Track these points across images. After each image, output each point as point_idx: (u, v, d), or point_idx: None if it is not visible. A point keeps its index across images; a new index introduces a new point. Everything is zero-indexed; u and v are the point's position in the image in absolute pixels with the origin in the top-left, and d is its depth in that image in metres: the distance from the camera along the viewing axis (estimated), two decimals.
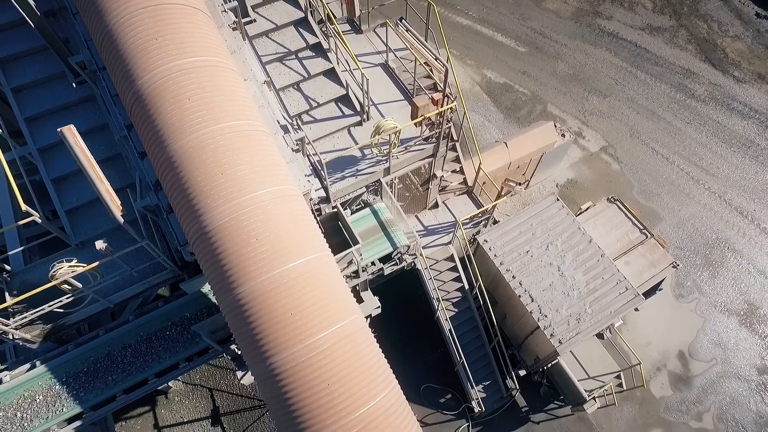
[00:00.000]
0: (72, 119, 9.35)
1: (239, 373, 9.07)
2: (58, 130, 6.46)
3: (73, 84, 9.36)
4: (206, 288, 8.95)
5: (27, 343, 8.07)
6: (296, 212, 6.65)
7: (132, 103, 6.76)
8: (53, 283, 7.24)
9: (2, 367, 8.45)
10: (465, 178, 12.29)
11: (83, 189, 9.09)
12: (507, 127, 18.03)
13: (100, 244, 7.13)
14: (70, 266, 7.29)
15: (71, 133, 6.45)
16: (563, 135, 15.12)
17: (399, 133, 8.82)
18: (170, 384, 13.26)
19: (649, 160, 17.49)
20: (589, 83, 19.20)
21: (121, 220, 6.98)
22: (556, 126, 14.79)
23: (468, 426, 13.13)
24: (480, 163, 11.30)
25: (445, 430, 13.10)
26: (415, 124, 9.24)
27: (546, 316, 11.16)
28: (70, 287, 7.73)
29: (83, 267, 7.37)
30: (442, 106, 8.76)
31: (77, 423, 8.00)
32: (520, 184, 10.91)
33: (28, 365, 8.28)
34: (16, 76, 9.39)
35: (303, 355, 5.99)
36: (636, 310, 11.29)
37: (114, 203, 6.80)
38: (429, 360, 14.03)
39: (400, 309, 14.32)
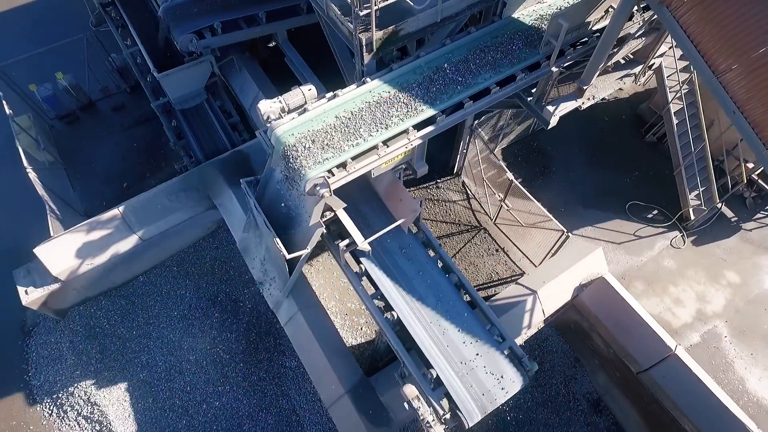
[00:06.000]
0: None
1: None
2: None
3: None
4: (519, 12, 8.62)
5: (366, 51, 7.63)
6: None
7: None
8: None
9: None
10: None
11: None
12: None
13: None
14: None
15: None
16: None
17: None
18: None
19: None
20: None
21: None
22: None
23: (683, 235, 12.93)
24: None
25: (660, 242, 12.89)
26: None
27: None
28: None
29: None
30: None
31: (430, 128, 7.60)
32: None
33: (354, 84, 7.89)
34: None
35: None
36: None
37: None
38: (633, 177, 13.87)
39: (605, 133, 14.50)
